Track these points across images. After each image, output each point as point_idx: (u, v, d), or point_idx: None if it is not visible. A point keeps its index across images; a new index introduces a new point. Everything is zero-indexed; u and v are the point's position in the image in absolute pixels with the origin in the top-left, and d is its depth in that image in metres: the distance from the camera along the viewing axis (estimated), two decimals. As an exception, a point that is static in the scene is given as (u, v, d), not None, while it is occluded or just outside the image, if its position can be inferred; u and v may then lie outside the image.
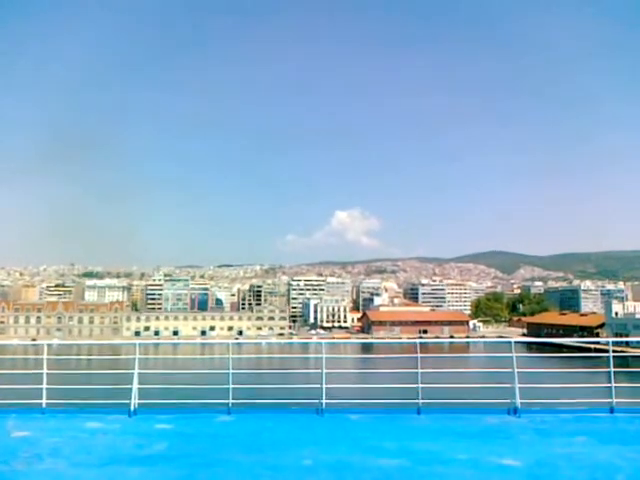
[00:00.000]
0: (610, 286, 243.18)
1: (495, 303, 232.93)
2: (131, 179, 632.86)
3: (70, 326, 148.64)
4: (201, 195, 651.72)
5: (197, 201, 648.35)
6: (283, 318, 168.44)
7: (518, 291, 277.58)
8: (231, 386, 8.91)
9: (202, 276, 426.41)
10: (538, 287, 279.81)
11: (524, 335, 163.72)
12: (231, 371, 9.09)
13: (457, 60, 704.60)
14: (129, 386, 8.70)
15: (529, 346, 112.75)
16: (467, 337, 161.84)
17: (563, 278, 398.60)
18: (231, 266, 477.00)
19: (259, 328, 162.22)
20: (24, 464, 6.29)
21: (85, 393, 9.74)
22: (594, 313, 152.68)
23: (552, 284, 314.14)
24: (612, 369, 8.94)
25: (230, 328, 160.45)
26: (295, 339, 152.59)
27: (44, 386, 8.95)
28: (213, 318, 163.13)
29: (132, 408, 8.63)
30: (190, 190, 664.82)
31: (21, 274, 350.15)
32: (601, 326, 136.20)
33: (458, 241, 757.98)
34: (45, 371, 9.07)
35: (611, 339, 10.04)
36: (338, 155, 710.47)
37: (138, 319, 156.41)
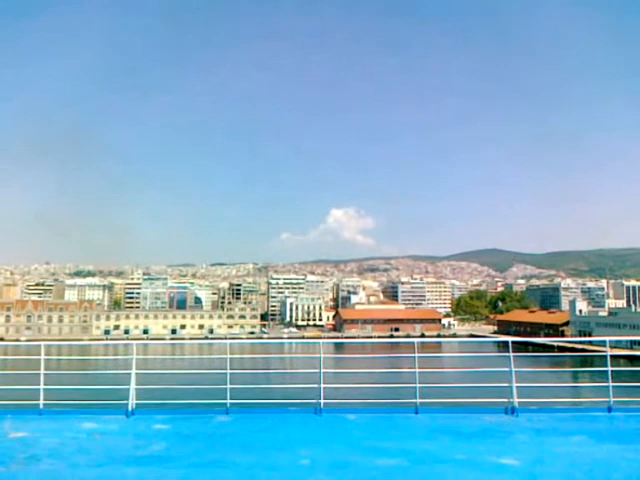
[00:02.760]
0: (591, 284, 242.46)
1: (476, 301, 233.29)
2: (125, 177, 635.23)
3: (39, 325, 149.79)
4: (197, 193, 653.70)
5: (193, 200, 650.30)
6: (254, 317, 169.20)
7: (502, 289, 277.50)
8: (229, 386, 8.89)
9: (194, 274, 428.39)
10: (521, 285, 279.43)
11: (495, 333, 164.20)
12: (229, 371, 9.07)
13: (452, 59, 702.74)
14: (127, 386, 8.67)
15: (498, 345, 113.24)
16: (438, 335, 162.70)
17: (555, 276, 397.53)
18: (224, 264, 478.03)
19: (230, 327, 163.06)
20: (21, 465, 6.24)
21: (82, 393, 9.77)
22: (561, 311, 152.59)
23: (542, 282, 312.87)
24: (609, 368, 8.92)
25: (201, 326, 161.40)
26: (265, 337, 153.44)
27: (41, 387, 8.89)
28: (184, 317, 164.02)
29: (130, 408, 8.59)
30: (186, 188, 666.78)
31: (12, 273, 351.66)
32: (566, 324, 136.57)
33: (453, 239, 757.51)
34: (42, 372, 9.03)
35: (607, 338, 9.99)
36: (334, 153, 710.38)
37: (108, 318, 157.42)
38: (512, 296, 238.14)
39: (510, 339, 9.51)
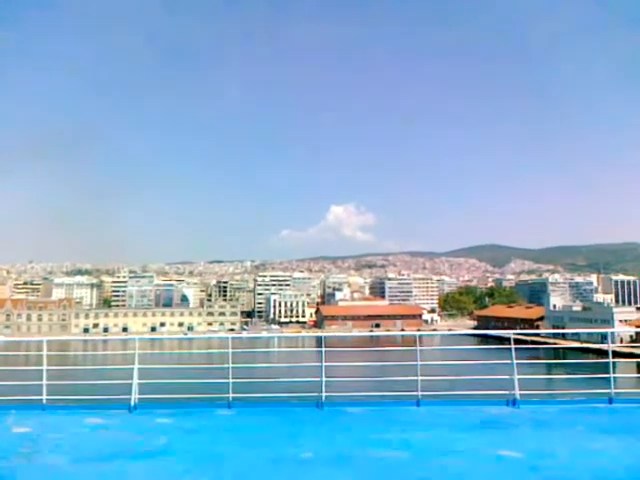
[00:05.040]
0: (579, 279, 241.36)
1: (464, 297, 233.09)
2: (124, 176, 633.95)
3: (18, 323, 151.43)
4: (196, 191, 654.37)
5: (192, 197, 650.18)
6: (234, 314, 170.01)
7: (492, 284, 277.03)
8: (231, 380, 8.91)
9: (191, 272, 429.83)
10: (511, 281, 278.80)
11: (475, 328, 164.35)
12: (231, 365, 9.08)
13: (452, 58, 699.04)
14: (129, 381, 8.68)
15: (478, 339, 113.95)
16: (418, 330, 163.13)
17: (553, 271, 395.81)
18: (222, 262, 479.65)
19: (210, 324, 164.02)
20: (25, 460, 6.26)
21: (85, 389, 9.85)
22: (538, 306, 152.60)
23: (532, 277, 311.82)
24: (611, 359, 8.96)
25: (180, 324, 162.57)
26: (244, 334, 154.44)
27: (44, 382, 8.90)
28: (163, 314, 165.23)
29: (132, 403, 8.61)
30: (185, 186, 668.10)
31: (8, 272, 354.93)
32: (541, 319, 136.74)
33: (452, 235, 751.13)
34: (45, 367, 9.03)
35: (610, 329, 9.68)
36: (334, 150, 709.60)
37: (87, 316, 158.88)
38: (501, 292, 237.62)
39: (512, 332, 9.53)
